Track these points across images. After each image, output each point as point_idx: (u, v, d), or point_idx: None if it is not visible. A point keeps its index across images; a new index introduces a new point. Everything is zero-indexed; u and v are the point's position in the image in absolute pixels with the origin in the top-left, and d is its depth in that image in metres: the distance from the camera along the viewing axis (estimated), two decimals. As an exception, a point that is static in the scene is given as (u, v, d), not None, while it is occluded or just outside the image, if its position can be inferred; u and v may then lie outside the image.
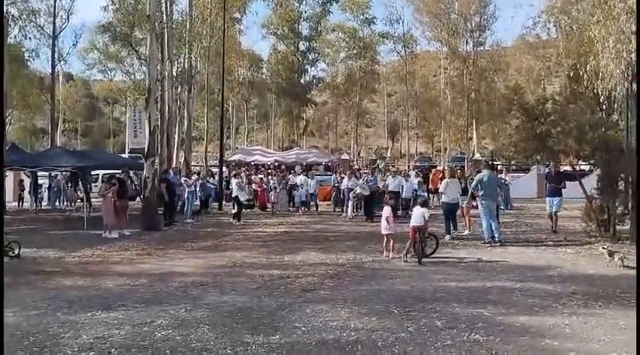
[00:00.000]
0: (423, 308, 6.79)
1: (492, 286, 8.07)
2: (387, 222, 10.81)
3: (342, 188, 20.24)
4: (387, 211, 11.06)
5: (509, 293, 7.60)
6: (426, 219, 10.43)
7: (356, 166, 34.73)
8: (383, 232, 10.92)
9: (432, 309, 6.73)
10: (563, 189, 14.04)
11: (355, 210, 19.00)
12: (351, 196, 18.68)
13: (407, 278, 8.75)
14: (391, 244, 10.76)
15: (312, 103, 55.76)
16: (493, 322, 6.18)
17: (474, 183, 12.90)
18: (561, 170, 15.10)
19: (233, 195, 18.29)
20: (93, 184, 22.19)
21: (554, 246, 12.05)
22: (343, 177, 20.79)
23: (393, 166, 31.92)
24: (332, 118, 67.10)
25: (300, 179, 21.92)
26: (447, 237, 13.16)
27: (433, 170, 26.98)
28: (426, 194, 20.57)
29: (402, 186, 18.54)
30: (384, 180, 19.88)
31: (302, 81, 51.49)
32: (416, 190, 19.09)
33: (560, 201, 13.98)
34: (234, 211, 18.12)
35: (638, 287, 5.62)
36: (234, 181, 18.69)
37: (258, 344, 5.50)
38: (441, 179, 23.30)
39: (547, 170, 14.69)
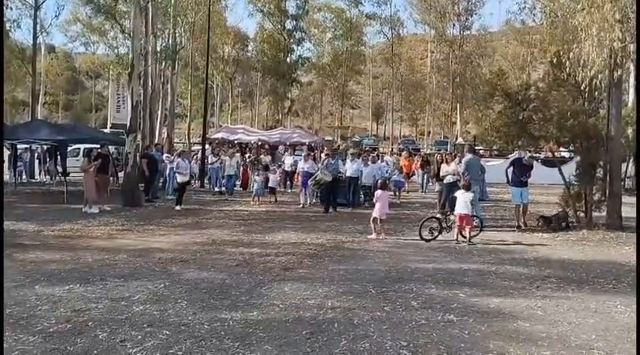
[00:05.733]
0: (399, 288, 6.88)
1: (468, 268, 8.20)
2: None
3: (298, 171, 18.34)
4: (380, 193, 11.11)
5: (485, 276, 7.73)
6: (469, 206, 10.37)
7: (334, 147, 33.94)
8: (375, 215, 10.93)
9: (409, 290, 6.82)
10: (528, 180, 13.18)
11: (315, 198, 16.67)
12: (309, 183, 15.98)
13: (385, 259, 8.84)
14: (379, 226, 10.83)
15: (298, 83, 55.44)
16: (468, 303, 6.29)
17: (462, 166, 12.96)
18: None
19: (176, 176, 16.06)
20: (74, 158, 22.01)
21: (531, 231, 12.22)
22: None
23: (356, 148, 30.34)
24: (317, 99, 66.94)
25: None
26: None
27: (402, 154, 25.53)
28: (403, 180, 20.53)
29: (361, 171, 16.05)
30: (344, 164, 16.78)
31: (288, 60, 51.13)
32: (382, 175, 16.56)
33: (528, 192, 13.19)
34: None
35: (638, 284, 5.73)
36: (179, 161, 16.27)
37: (236, 320, 5.54)
38: (421, 164, 23.55)
39: (521, 157, 13.73)
